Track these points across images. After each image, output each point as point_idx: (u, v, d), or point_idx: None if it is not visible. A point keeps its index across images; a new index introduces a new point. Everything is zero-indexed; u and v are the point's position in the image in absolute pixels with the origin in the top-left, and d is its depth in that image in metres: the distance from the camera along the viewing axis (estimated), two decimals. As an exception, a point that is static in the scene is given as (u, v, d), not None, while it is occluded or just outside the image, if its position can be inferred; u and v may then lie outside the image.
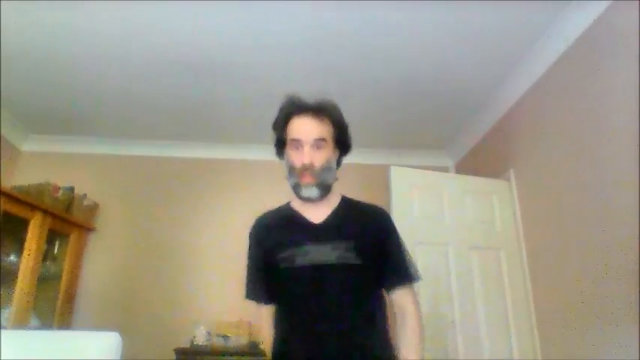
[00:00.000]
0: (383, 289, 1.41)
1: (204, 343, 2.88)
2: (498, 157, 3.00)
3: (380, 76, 2.73)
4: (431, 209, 2.68)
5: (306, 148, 1.35)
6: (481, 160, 3.30)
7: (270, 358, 1.38)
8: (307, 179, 1.35)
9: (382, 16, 2.22)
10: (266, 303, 1.44)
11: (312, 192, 1.36)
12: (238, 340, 2.91)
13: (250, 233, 1.49)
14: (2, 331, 1.35)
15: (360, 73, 2.70)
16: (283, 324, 1.36)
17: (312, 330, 1.28)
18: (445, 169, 3.71)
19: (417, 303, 1.41)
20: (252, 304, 1.48)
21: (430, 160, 3.71)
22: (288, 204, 1.49)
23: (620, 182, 1.91)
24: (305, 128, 1.37)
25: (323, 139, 1.37)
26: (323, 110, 1.40)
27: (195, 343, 2.89)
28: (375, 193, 3.24)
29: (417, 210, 2.64)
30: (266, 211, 1.52)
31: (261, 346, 1.44)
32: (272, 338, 1.39)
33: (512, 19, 2.23)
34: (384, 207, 1.57)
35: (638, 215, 1.79)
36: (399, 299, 1.41)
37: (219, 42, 2.43)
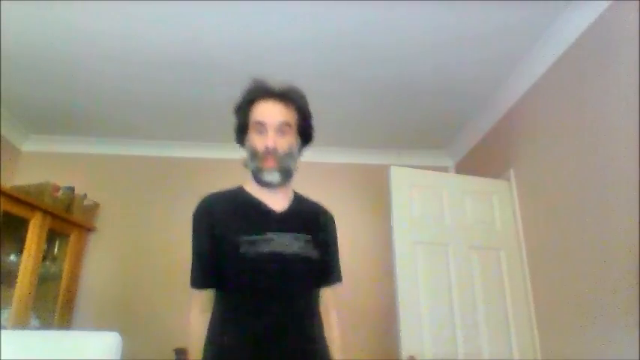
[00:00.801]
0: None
1: (188, 343, 2.87)
2: (498, 157, 3.00)
3: (380, 76, 2.73)
4: (431, 209, 2.68)
5: (271, 132, 1.34)
6: (481, 160, 3.30)
7: (209, 348, 1.29)
8: (270, 163, 1.33)
9: (382, 15, 2.22)
10: (209, 287, 1.34)
11: (274, 177, 1.34)
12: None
13: (198, 214, 1.38)
14: (2, 331, 1.35)
15: (360, 73, 2.70)
16: (229, 312, 1.29)
17: (270, 318, 1.25)
18: (445, 169, 3.71)
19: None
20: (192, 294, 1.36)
21: (430, 160, 3.71)
22: (240, 188, 1.44)
23: (620, 182, 1.91)
24: (270, 112, 1.36)
25: (287, 124, 1.36)
26: (289, 96, 1.40)
27: (195, 343, 2.88)
28: (375, 193, 3.27)
29: (417, 210, 2.63)
30: (214, 191, 1.44)
31: (192, 343, 1.35)
32: (209, 331, 1.31)
33: (512, 19, 2.23)
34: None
35: (638, 215, 1.79)
36: (326, 298, 1.45)
37: (220, 42, 2.43)
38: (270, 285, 1.29)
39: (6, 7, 2.14)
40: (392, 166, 2.67)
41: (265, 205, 1.38)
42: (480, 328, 2.53)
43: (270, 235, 1.31)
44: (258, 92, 1.40)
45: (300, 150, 1.45)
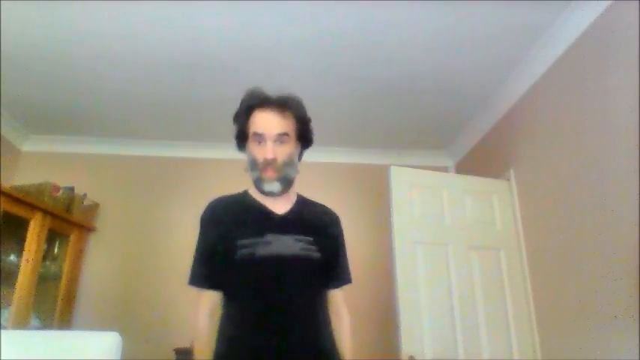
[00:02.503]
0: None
1: (194, 343, 2.87)
2: (498, 157, 3.00)
3: (380, 76, 2.73)
4: (431, 209, 2.68)
5: (269, 143, 1.35)
6: (481, 160, 3.30)
7: (217, 351, 1.31)
8: (269, 174, 1.35)
9: (382, 15, 2.22)
10: (210, 289, 1.36)
11: (274, 186, 1.37)
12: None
13: (204, 217, 1.44)
14: (2, 331, 1.35)
15: (360, 73, 2.70)
16: (234, 315, 1.32)
17: (271, 321, 1.27)
18: (445, 169, 3.71)
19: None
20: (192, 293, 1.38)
21: (430, 160, 3.71)
22: (245, 192, 1.48)
23: (620, 182, 1.91)
24: (268, 123, 1.36)
25: (286, 134, 1.37)
26: (286, 105, 1.40)
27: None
28: (375, 193, 3.26)
29: (417, 210, 2.63)
30: (220, 196, 1.48)
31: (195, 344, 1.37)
32: (214, 332, 1.34)
33: (512, 19, 2.23)
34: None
35: (638, 215, 1.79)
36: (336, 299, 1.46)
37: (220, 42, 2.43)
38: (271, 287, 1.30)
39: (6, 8, 2.14)
40: (392, 166, 2.67)
41: (266, 209, 1.40)
42: (480, 328, 2.53)
43: (269, 237, 1.32)
44: (255, 102, 1.41)
45: (300, 155, 1.47)
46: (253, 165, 1.38)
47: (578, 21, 2.17)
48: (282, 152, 1.36)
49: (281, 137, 1.36)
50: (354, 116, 3.21)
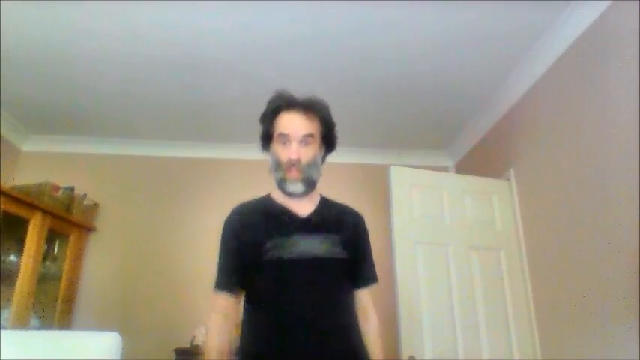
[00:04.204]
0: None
1: (204, 343, 2.88)
2: (498, 157, 3.00)
3: (380, 75, 2.73)
4: (431, 209, 2.68)
5: (294, 144, 1.36)
6: (481, 160, 3.30)
7: (245, 356, 1.33)
8: (293, 174, 1.36)
9: (381, 15, 2.22)
10: (235, 294, 1.38)
11: (297, 187, 1.37)
12: (238, 340, 2.90)
13: (229, 222, 1.44)
14: (2, 331, 1.35)
15: (360, 72, 2.70)
16: (261, 319, 1.32)
17: (300, 322, 1.26)
18: (445, 169, 3.71)
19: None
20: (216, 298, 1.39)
21: (430, 160, 3.70)
22: (268, 196, 1.49)
23: (621, 182, 1.91)
24: (294, 124, 1.38)
25: (311, 136, 1.39)
26: (312, 107, 1.42)
27: (195, 343, 2.89)
28: (375, 193, 3.26)
29: (417, 210, 2.63)
30: (244, 201, 1.49)
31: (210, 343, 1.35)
32: (241, 336, 1.35)
33: (512, 19, 2.23)
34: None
35: (638, 215, 1.79)
36: (364, 298, 1.45)
37: (220, 42, 2.43)
38: (300, 288, 1.30)
39: (6, 7, 2.14)
40: (392, 166, 2.67)
41: (290, 211, 1.41)
42: (480, 328, 2.53)
43: (296, 237, 1.33)
44: (282, 103, 1.42)
45: (324, 158, 1.49)
46: (277, 165, 1.39)
47: (578, 21, 2.17)
48: (306, 154, 1.37)
49: (306, 139, 1.37)
50: (354, 116, 3.21)
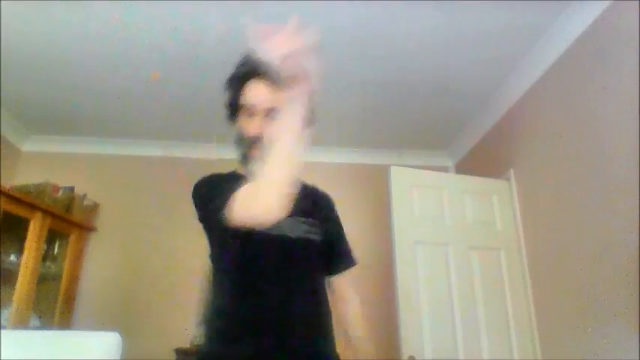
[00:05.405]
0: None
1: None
2: (498, 157, 3.00)
3: (380, 75, 2.72)
4: (431, 209, 2.68)
5: (258, 118, 1.22)
6: (481, 160, 3.30)
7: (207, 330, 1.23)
8: (255, 152, 1.21)
9: (381, 15, 2.22)
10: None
11: (259, 167, 1.24)
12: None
13: (200, 187, 1.28)
14: (2, 331, 1.35)
15: (360, 72, 2.70)
16: (231, 295, 1.22)
17: (272, 299, 1.19)
18: (445, 169, 3.71)
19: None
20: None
21: (430, 160, 3.70)
22: (235, 172, 1.33)
23: (620, 182, 1.91)
24: (259, 95, 1.22)
25: (278, 110, 1.15)
26: (280, 77, 1.23)
27: (195, 343, 2.89)
28: (375, 193, 3.26)
29: (417, 210, 2.63)
30: (212, 173, 1.33)
31: None
32: (205, 313, 1.25)
33: (512, 19, 2.23)
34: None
35: (638, 215, 1.78)
36: (342, 283, 1.39)
37: (220, 42, 2.42)
38: (273, 267, 1.23)
39: (6, 7, 2.14)
40: (392, 166, 2.67)
41: None
42: (480, 328, 2.53)
43: None
44: (248, 69, 1.25)
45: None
46: (240, 140, 1.26)
47: (578, 21, 2.17)
48: (271, 130, 1.16)
49: (273, 112, 1.19)
50: (354, 116, 3.21)
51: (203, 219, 1.28)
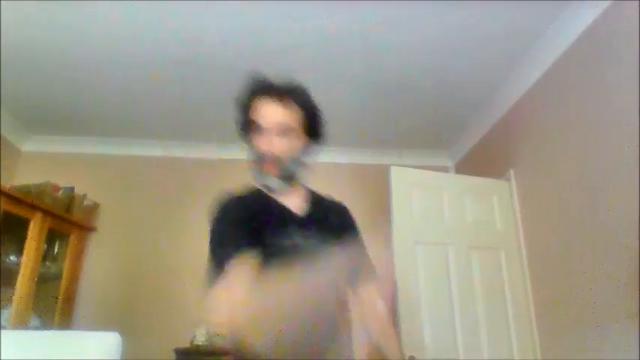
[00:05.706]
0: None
1: (204, 343, 2.88)
2: (498, 157, 3.00)
3: (380, 76, 2.73)
4: (431, 209, 2.68)
5: (269, 136, 1.25)
6: (481, 160, 3.30)
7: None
8: (268, 169, 1.26)
9: (381, 15, 2.22)
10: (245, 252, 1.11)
11: (273, 182, 1.27)
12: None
13: (222, 213, 1.25)
14: (2, 331, 1.35)
15: (360, 73, 2.70)
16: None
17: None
18: (445, 169, 3.71)
19: None
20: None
21: (430, 160, 3.70)
22: (254, 187, 1.34)
23: (621, 182, 1.91)
24: (269, 113, 1.27)
25: (288, 127, 1.26)
26: (289, 93, 1.29)
27: (195, 343, 2.89)
28: (375, 193, 3.26)
29: (417, 210, 2.63)
30: (231, 192, 1.32)
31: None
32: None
33: (512, 19, 2.23)
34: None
35: (638, 215, 1.79)
36: (370, 293, 1.36)
37: (220, 42, 2.43)
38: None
39: (6, 8, 2.14)
40: (392, 166, 2.67)
41: (286, 208, 1.30)
42: (480, 328, 2.53)
43: (297, 239, 1.23)
44: (257, 88, 1.31)
45: (308, 149, 1.36)
46: (252, 157, 1.29)
47: (578, 21, 2.17)
48: (283, 146, 1.25)
49: (282, 129, 1.25)
50: (354, 116, 3.21)
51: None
